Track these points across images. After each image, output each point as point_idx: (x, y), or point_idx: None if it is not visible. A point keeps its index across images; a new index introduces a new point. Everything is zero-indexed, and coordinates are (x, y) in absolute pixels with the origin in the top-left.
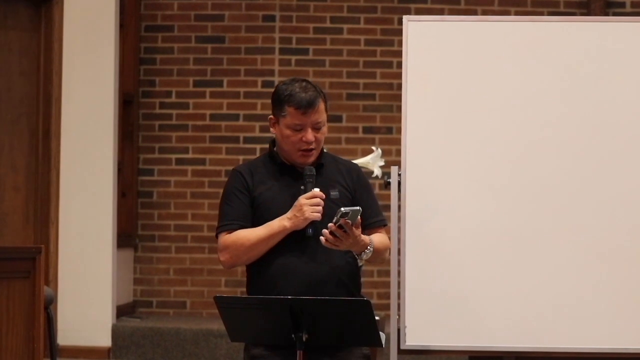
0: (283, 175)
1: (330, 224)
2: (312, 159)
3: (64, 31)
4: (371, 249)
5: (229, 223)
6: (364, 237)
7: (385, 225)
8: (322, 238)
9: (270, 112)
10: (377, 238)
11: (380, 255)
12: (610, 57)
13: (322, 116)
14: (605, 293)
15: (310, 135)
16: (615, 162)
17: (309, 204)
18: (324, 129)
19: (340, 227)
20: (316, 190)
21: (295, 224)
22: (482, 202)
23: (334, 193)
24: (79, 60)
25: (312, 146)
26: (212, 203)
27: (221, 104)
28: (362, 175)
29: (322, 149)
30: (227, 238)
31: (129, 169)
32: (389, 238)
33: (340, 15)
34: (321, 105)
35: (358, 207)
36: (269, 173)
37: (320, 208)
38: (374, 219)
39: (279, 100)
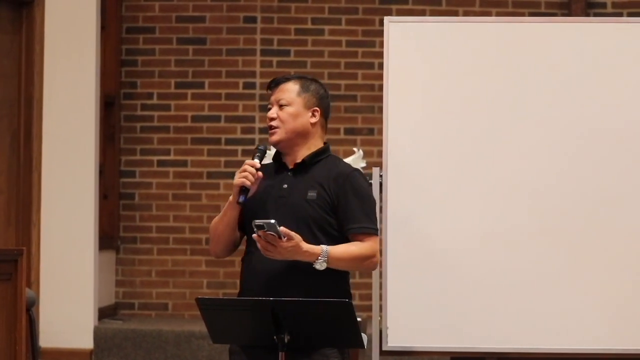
0: (276, 173)
1: (253, 235)
2: (275, 137)
3: (45, 33)
4: (324, 259)
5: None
6: (310, 247)
7: (368, 233)
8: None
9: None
10: (342, 247)
11: (348, 265)
12: (591, 58)
13: (287, 95)
14: (589, 294)
15: (271, 110)
16: (597, 162)
17: (238, 172)
18: (290, 109)
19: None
20: (255, 160)
21: (233, 195)
22: (464, 203)
23: (312, 194)
24: (60, 62)
25: (273, 123)
26: (194, 205)
27: (202, 105)
28: (352, 181)
29: (324, 150)
30: None
31: (110, 171)
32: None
33: (321, 16)
34: (288, 85)
35: (273, 220)
36: (269, 169)
37: (246, 174)
38: (351, 226)
39: None
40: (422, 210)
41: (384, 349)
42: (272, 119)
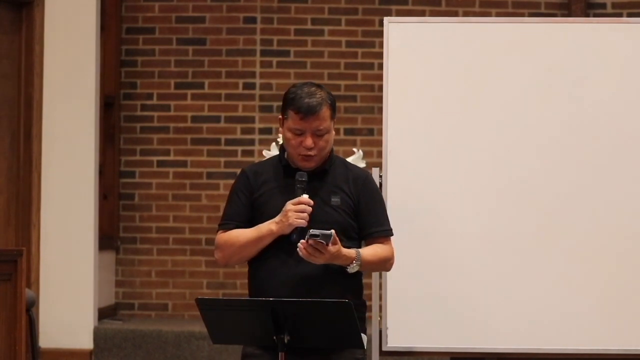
0: (286, 177)
1: (301, 241)
2: (312, 164)
3: (45, 33)
4: (357, 263)
5: (225, 222)
6: (347, 252)
7: (388, 235)
8: (298, 251)
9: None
10: (370, 250)
11: (374, 267)
12: (591, 58)
13: (325, 123)
14: (588, 294)
15: (309, 140)
16: (598, 162)
17: (294, 210)
18: (328, 136)
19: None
20: (304, 196)
21: (281, 228)
22: (463, 203)
23: (335, 199)
24: (60, 63)
25: (310, 152)
26: (194, 205)
27: (202, 106)
28: (370, 183)
29: (332, 153)
30: (221, 237)
31: (110, 172)
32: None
33: (321, 17)
34: (324, 112)
35: (330, 232)
36: (274, 174)
37: (305, 215)
38: (375, 229)
39: (284, 102)
40: (422, 210)
41: (383, 349)
42: (310, 148)
